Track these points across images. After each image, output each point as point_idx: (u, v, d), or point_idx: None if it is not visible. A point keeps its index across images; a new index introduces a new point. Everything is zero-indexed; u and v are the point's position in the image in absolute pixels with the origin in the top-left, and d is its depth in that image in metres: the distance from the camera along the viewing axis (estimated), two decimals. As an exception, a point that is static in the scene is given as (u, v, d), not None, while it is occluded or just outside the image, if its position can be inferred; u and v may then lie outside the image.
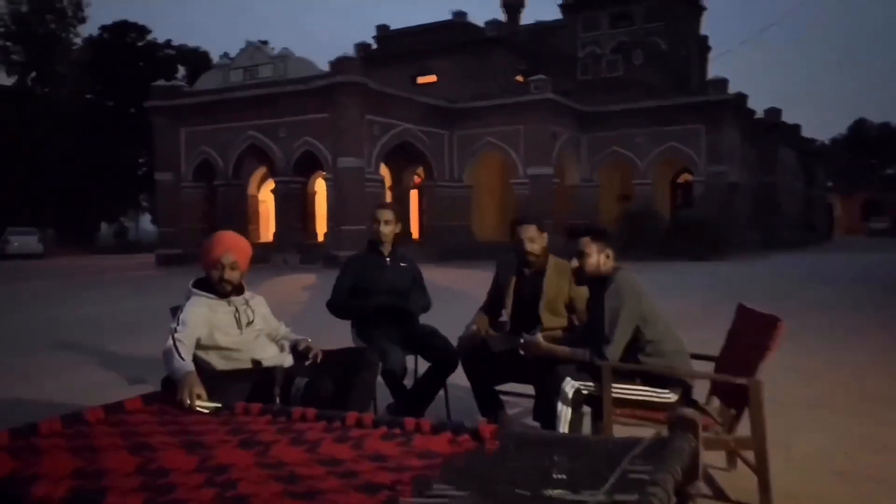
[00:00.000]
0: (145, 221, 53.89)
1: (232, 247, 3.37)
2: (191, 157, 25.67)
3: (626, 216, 26.35)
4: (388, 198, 27.23)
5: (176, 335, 3.12)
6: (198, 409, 2.79)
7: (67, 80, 41.03)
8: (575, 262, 3.33)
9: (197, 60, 43.17)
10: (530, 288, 3.98)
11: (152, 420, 2.68)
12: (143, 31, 44.56)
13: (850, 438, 4.06)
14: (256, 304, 3.50)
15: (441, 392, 4.13)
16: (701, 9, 40.13)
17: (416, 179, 29.31)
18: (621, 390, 3.09)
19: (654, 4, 36.60)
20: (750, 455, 3.05)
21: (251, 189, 28.85)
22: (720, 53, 63.07)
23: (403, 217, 28.03)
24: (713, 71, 39.30)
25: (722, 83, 26.90)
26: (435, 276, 17.42)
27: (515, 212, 27.54)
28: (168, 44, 45.65)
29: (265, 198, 28.89)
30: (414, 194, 29.63)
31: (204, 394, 2.78)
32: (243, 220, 26.83)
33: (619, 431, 3.07)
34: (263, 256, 23.88)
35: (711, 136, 26.55)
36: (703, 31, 41.04)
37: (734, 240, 25.59)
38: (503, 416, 3.99)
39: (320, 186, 26.54)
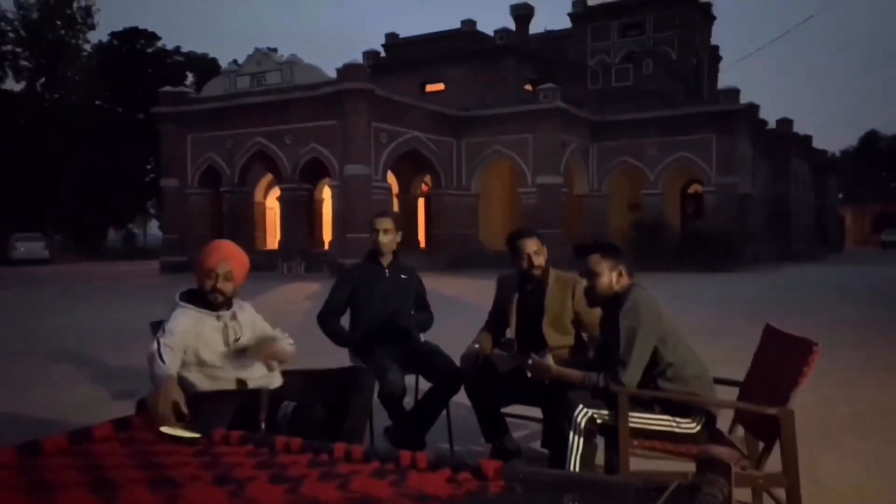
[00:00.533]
0: (153, 228, 53.89)
1: (229, 256, 3.14)
2: (197, 164, 25.54)
3: (635, 227, 26.05)
4: (396, 206, 27.04)
5: (162, 339, 2.90)
6: (174, 434, 2.54)
7: (77, 86, 41.06)
8: (585, 283, 3.07)
9: (205, 67, 43.17)
10: (534, 305, 3.75)
11: (121, 450, 2.42)
12: (152, 37, 44.62)
13: (884, 468, 3.77)
14: (244, 317, 3.25)
15: (443, 415, 3.86)
16: (712, 18, 39.85)
17: (424, 187, 29.10)
18: (639, 419, 2.81)
19: (664, 14, 36.33)
20: (779, 492, 2.77)
21: (258, 196, 28.71)
22: (732, 63, 62.79)
23: (411, 225, 28.06)
24: (724, 81, 38.97)
25: (733, 93, 26.60)
26: (441, 286, 17.21)
27: (518, 223, 27.31)
28: (177, 50, 45.73)
29: (272, 205, 28.75)
30: (421, 202, 29.41)
31: (182, 401, 2.60)
32: (249, 227, 26.69)
33: (636, 464, 2.80)
34: (269, 264, 23.70)
35: (723, 146, 26.24)
36: (714, 40, 40.76)
37: (746, 251, 25.24)
38: (509, 441, 3.73)
39: (327, 194, 26.37)
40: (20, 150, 36.77)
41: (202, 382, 3.05)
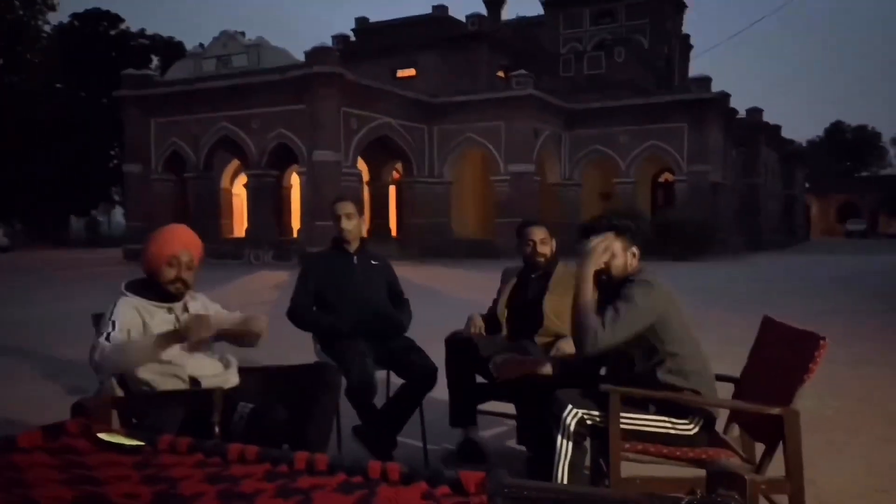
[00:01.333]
0: (118, 215, 52.77)
1: (189, 243, 2.87)
2: (161, 149, 24.87)
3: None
4: (366, 193, 26.63)
5: (112, 334, 2.62)
6: (114, 442, 2.23)
7: (36, 69, 39.84)
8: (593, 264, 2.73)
9: (171, 50, 42.17)
10: (534, 292, 3.64)
11: (50, 462, 2.09)
12: (115, 19, 43.43)
13: (881, 467, 3.59)
14: (197, 307, 2.96)
15: (417, 414, 3.60)
16: (683, 7, 39.94)
17: (395, 175, 28.72)
18: (632, 420, 2.57)
19: (636, 2, 36.34)
20: (780, 498, 2.56)
21: (224, 182, 28.10)
22: (703, 52, 63.06)
23: (382, 214, 27.71)
24: (695, 70, 39.10)
25: (705, 81, 26.60)
26: (413, 275, 16.92)
27: (490, 212, 27.16)
28: (142, 33, 44.60)
29: (239, 192, 28.18)
30: (392, 190, 29.03)
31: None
32: (215, 214, 26.12)
33: (626, 469, 2.56)
34: (235, 252, 23.21)
35: (694, 135, 26.26)
36: (685, 29, 40.88)
37: (717, 240, 25.32)
38: (474, 431, 3.52)
39: (295, 181, 25.89)
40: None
41: (158, 381, 2.76)
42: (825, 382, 5.37)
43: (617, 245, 2.73)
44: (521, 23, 39.78)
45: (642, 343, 2.64)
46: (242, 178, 26.15)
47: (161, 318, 2.80)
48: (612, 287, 2.72)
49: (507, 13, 38.80)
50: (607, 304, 2.74)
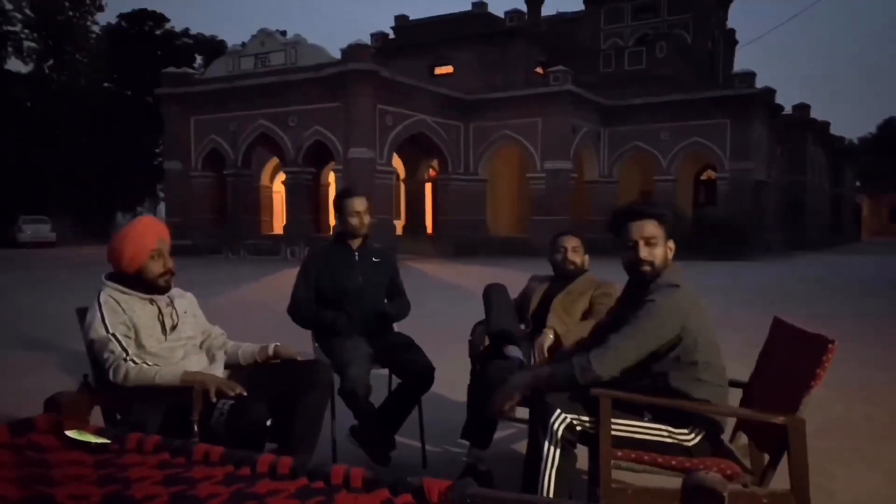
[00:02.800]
0: (163, 211, 53.79)
1: (163, 233, 2.81)
2: (200, 146, 25.23)
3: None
4: (402, 190, 26.64)
5: (118, 334, 2.63)
6: (81, 440, 2.17)
7: (84, 68, 40.81)
8: (645, 251, 2.49)
9: (214, 49, 42.75)
10: (557, 293, 3.61)
11: (11, 460, 2.05)
12: (161, 19, 44.23)
13: (906, 479, 3.37)
14: (183, 305, 2.90)
15: (416, 413, 3.49)
16: (728, 0, 39.03)
17: (432, 172, 28.66)
18: (625, 427, 2.42)
19: (679, -4, 35.63)
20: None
21: (264, 180, 28.42)
22: (745, 44, 61.52)
23: (418, 211, 27.69)
24: (740, 65, 38.20)
25: (749, 76, 25.94)
26: (447, 273, 16.88)
27: (526, 210, 26.91)
28: (186, 32, 45.34)
29: (278, 189, 28.45)
30: (429, 188, 28.99)
31: (232, 385, 2.62)
32: (254, 211, 26.40)
33: (623, 478, 2.41)
34: (272, 249, 23.42)
35: (737, 132, 25.64)
36: (730, 23, 39.94)
37: (760, 240, 24.69)
38: (480, 459, 3.26)
39: (332, 178, 26.04)
40: (27, 132, 36.60)
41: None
42: (857, 387, 5.13)
43: (660, 233, 2.51)
44: (561, 19, 39.34)
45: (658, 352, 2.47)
46: (282, 176, 26.40)
47: (144, 311, 2.75)
48: (641, 285, 2.54)
49: (547, 9, 38.49)
50: (626, 301, 2.60)
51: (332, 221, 25.61)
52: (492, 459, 3.31)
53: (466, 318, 3.75)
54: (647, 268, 2.50)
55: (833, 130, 38.19)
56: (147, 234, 2.76)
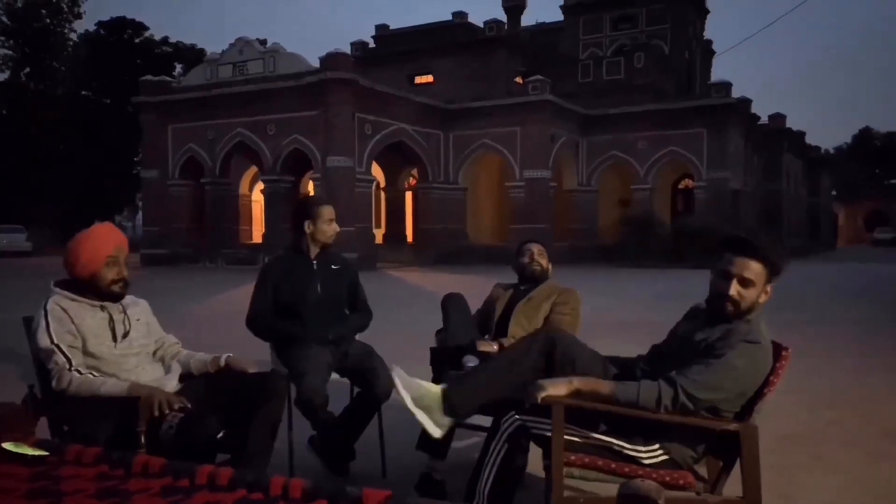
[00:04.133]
0: (141, 219, 53.35)
1: (121, 240, 2.80)
2: (178, 155, 25.05)
3: (625, 222, 25.70)
4: (382, 199, 26.59)
5: (62, 345, 2.57)
6: (16, 452, 2.12)
7: (62, 76, 40.43)
8: (734, 289, 2.36)
9: (193, 58, 42.51)
10: (519, 300, 3.67)
11: (-58, 472, 1.99)
12: (139, 27, 43.98)
13: (868, 485, 3.36)
14: (136, 313, 2.85)
15: (375, 422, 3.44)
16: (705, 12, 39.47)
17: (412, 181, 28.66)
18: (578, 435, 2.39)
19: (657, 7, 35.93)
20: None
21: (243, 188, 28.25)
22: (720, 53, 62.40)
23: (398, 220, 27.64)
24: (717, 75, 38.59)
25: (725, 86, 26.21)
26: (426, 282, 16.83)
27: (506, 218, 26.98)
28: (165, 41, 45.11)
29: (258, 198, 28.28)
30: (409, 196, 28.97)
31: (179, 399, 2.56)
32: (233, 219, 26.22)
33: (575, 485, 2.38)
34: (251, 258, 23.26)
35: (714, 141, 25.87)
36: (708, 34, 40.38)
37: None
38: (438, 467, 3.23)
39: (311, 187, 25.94)
40: (3, 141, 36.17)
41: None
42: (822, 393, 5.15)
43: (761, 275, 2.37)
44: (541, 29, 39.58)
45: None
46: (261, 185, 26.27)
47: (93, 318, 2.70)
48: (710, 317, 2.46)
49: (527, 19, 38.62)
50: (694, 331, 2.51)
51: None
52: (448, 469, 3.28)
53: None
54: (729, 307, 2.38)
55: (809, 140, 38.69)
56: (104, 239, 2.74)
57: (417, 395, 2.48)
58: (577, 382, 2.37)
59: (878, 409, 4.85)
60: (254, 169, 27.07)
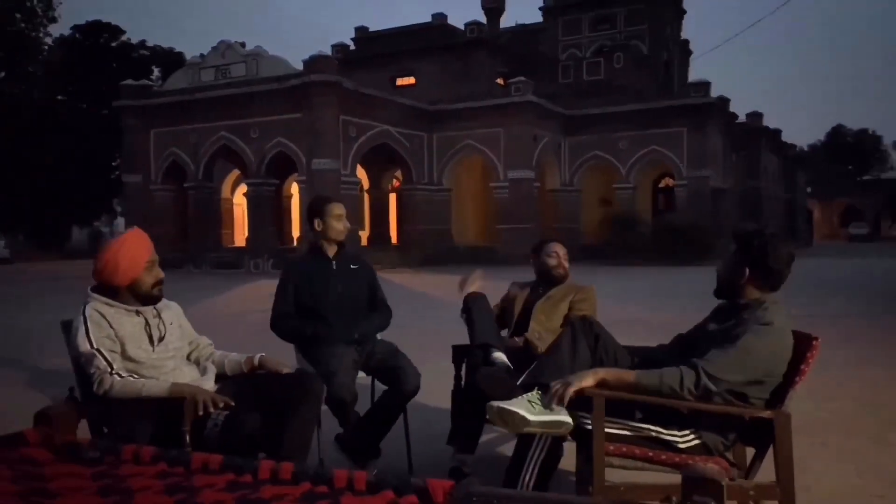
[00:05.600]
0: (121, 225, 52.77)
1: (152, 245, 2.85)
2: (160, 159, 24.87)
3: (608, 221, 25.92)
4: (366, 200, 26.61)
5: (104, 350, 2.61)
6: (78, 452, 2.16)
7: (38, 80, 39.89)
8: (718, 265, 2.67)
9: (171, 61, 42.17)
10: (538, 297, 3.74)
11: (6, 475, 2.02)
12: (116, 31, 43.49)
13: (877, 472, 3.49)
14: (169, 317, 2.89)
15: (401, 420, 3.50)
16: (682, 12, 39.92)
17: (395, 182, 28.69)
18: (616, 425, 2.47)
19: (635, 8, 36.30)
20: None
21: (225, 192, 28.10)
22: (700, 55, 63.28)
23: (382, 221, 27.63)
24: (694, 75, 39.09)
25: (704, 86, 26.56)
26: (413, 283, 16.87)
27: (490, 218, 27.11)
28: (142, 44, 44.66)
29: (239, 201, 28.17)
30: (393, 198, 29.00)
31: (223, 399, 2.60)
32: (215, 223, 26.08)
33: (613, 475, 2.46)
34: (235, 261, 23.16)
35: (694, 140, 26.20)
36: (685, 34, 40.84)
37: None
38: (469, 462, 3.30)
39: (295, 189, 25.89)
40: (-23, 146, 35.64)
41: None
42: (821, 384, 5.28)
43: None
44: (520, 30, 39.76)
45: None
46: (243, 188, 26.15)
47: (130, 324, 2.74)
48: (730, 310, 2.61)
49: (506, 21, 38.84)
50: (719, 319, 2.65)
51: (297, 233, 25.42)
52: (475, 463, 3.35)
53: (438, 325, 3.81)
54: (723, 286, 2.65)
55: (784, 138, 39.25)
56: (142, 245, 2.80)
57: (524, 408, 2.43)
58: (601, 373, 2.46)
59: (878, 398, 5.01)
60: (235, 172, 26.95)
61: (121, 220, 50.63)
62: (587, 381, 2.41)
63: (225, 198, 28.23)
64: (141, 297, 2.75)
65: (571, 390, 2.39)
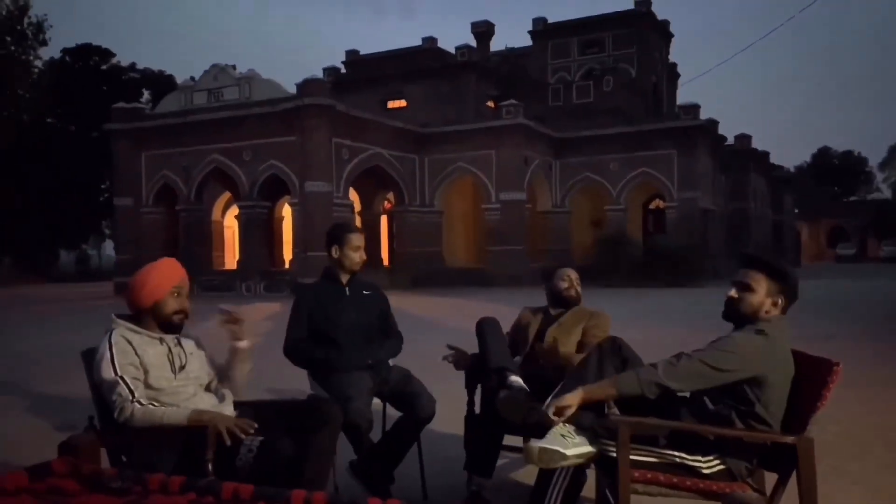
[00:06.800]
0: (108, 248, 52.45)
1: (185, 274, 2.90)
2: (152, 182, 24.81)
3: (598, 242, 26.03)
4: (358, 222, 26.60)
5: (126, 377, 2.61)
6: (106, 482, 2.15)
7: (27, 103, 39.78)
8: (733, 292, 2.65)
9: (162, 84, 42.24)
10: (551, 323, 3.77)
11: (35, 504, 2.01)
12: (106, 54, 43.54)
13: (886, 494, 3.51)
14: (190, 346, 2.90)
15: (415, 447, 3.49)
16: (669, 36, 40.44)
17: (387, 205, 28.75)
18: (640, 452, 2.48)
19: (622, 32, 36.75)
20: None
21: (215, 215, 28.03)
22: (689, 80, 64.01)
23: (374, 243, 27.62)
24: (683, 98, 39.57)
25: (693, 108, 26.85)
26: (405, 305, 16.80)
27: (482, 240, 27.17)
28: (132, 67, 44.72)
29: (230, 224, 28.10)
30: (384, 220, 29.03)
31: (248, 423, 2.59)
32: (206, 246, 25.99)
33: (636, 501, 2.47)
34: (227, 284, 23.06)
35: (683, 162, 26.43)
36: (672, 58, 41.34)
37: (708, 266, 25.34)
38: (486, 486, 3.31)
39: (287, 212, 25.85)
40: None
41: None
42: (830, 407, 5.31)
43: (762, 284, 2.61)
44: (510, 53, 40.15)
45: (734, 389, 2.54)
46: (234, 210, 26.10)
47: (154, 352, 2.75)
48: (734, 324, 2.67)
49: (496, 44, 39.21)
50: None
51: (289, 255, 25.35)
52: (492, 489, 3.35)
53: (438, 347, 3.79)
54: (731, 306, 2.66)
55: (772, 160, 39.65)
56: (171, 270, 2.84)
57: (560, 444, 2.46)
58: (581, 392, 2.52)
59: (879, 420, 5.03)
60: (226, 195, 26.91)
61: (109, 244, 50.36)
62: (571, 401, 2.49)
63: (216, 220, 28.16)
64: (162, 323, 2.76)
65: (560, 411, 2.48)
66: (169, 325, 2.77)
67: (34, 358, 9.05)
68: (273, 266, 25.50)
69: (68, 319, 14.81)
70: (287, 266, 25.22)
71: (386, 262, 28.01)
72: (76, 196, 39.96)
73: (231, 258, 27.78)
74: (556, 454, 2.38)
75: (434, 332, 10.31)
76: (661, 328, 10.87)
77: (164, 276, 2.78)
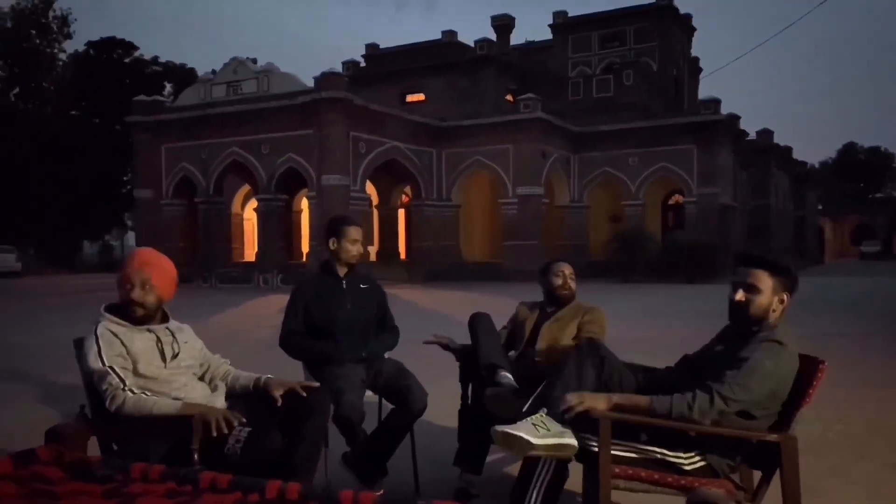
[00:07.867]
0: (131, 239, 53.04)
1: (147, 262, 2.82)
2: (171, 174, 25.06)
3: (617, 237, 25.90)
4: (375, 216, 26.71)
5: (115, 367, 2.64)
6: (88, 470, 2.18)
7: (52, 96, 40.36)
8: (740, 295, 2.58)
9: (183, 77, 42.60)
10: (547, 318, 3.74)
11: (16, 492, 2.04)
12: (129, 47, 44.01)
13: (887, 494, 3.46)
14: (184, 337, 2.92)
15: (407, 439, 3.51)
16: (692, 30, 40.01)
17: (404, 198, 28.80)
18: (622, 447, 2.47)
19: (644, 26, 36.40)
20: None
21: (235, 207, 28.25)
22: (710, 73, 63.31)
23: (391, 237, 27.73)
24: (704, 92, 39.10)
25: (714, 103, 26.58)
26: (420, 298, 16.89)
27: (498, 235, 27.13)
28: (155, 60, 45.14)
29: (249, 216, 28.29)
30: (401, 214, 29.09)
31: (235, 416, 2.61)
32: (225, 238, 26.21)
33: (619, 497, 2.46)
34: (244, 276, 23.25)
35: (703, 157, 26.18)
36: (694, 52, 40.90)
37: (727, 262, 25.10)
38: (475, 482, 3.35)
39: (304, 205, 26.01)
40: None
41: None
42: (830, 406, 5.24)
43: (768, 283, 2.56)
44: (530, 47, 39.95)
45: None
46: (253, 203, 26.29)
47: (142, 340, 2.77)
48: (739, 333, 2.61)
49: (516, 38, 39.01)
50: (726, 344, 2.65)
51: (306, 248, 25.50)
52: (482, 484, 3.36)
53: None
54: (738, 311, 2.61)
55: (795, 155, 39.20)
56: (129, 262, 2.83)
57: (528, 432, 2.42)
58: (615, 398, 2.47)
59: (886, 420, 4.97)
60: (246, 187, 27.10)
61: (131, 235, 50.91)
62: (599, 403, 2.43)
63: (235, 213, 28.38)
64: (128, 315, 2.77)
65: (583, 408, 2.41)
66: (133, 319, 2.77)
67: (47, 347, 9.18)
68: (291, 259, 25.66)
69: (86, 310, 14.97)
70: (304, 259, 25.39)
71: (403, 255, 28.07)
72: (99, 188, 40.49)
73: (250, 250, 27.99)
74: (523, 441, 2.34)
75: (444, 326, 10.32)
76: (677, 326, 10.81)
77: (120, 268, 2.82)
